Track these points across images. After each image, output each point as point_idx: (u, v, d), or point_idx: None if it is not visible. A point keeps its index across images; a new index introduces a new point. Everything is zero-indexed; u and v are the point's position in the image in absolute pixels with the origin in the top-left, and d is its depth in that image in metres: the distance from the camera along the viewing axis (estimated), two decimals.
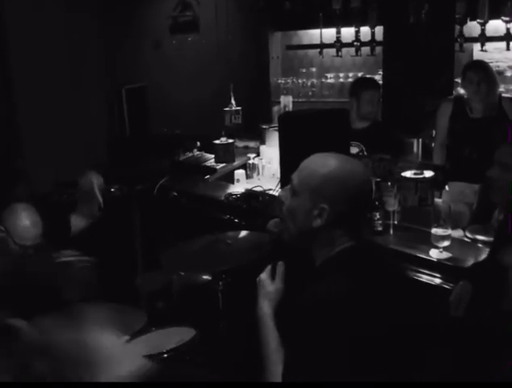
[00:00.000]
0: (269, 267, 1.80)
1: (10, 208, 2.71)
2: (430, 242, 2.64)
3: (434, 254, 2.63)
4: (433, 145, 3.96)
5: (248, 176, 4.13)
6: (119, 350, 1.13)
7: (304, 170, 1.68)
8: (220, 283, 2.52)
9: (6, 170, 3.82)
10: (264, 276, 1.78)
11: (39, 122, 4.29)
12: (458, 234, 2.80)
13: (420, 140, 4.01)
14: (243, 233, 2.75)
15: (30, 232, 2.67)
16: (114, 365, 1.09)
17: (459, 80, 4.00)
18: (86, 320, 1.13)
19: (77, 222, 3.12)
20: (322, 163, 1.65)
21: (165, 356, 2.29)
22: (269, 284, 1.76)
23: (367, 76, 4.67)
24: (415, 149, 3.92)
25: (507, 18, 3.85)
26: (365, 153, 3.74)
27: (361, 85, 4.07)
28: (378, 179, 2.95)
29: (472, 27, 4.11)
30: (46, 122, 4.32)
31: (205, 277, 3.02)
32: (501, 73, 4.23)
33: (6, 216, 2.68)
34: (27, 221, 2.67)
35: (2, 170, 3.75)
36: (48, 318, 1.13)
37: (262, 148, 4.35)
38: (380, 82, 4.47)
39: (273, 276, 1.78)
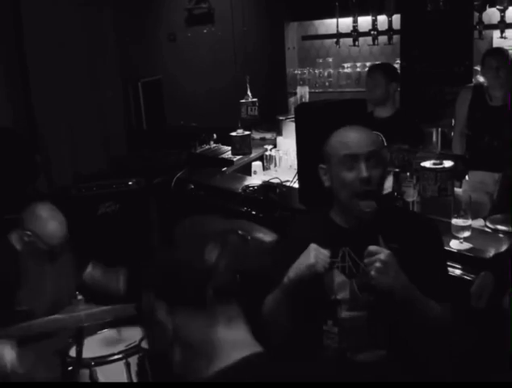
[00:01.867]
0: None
1: (31, 211, 2.66)
2: (450, 232, 2.61)
3: (455, 245, 2.59)
4: (452, 134, 3.91)
5: (265, 168, 4.12)
6: (235, 342, 1.15)
7: (372, 139, 1.92)
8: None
9: (25, 166, 3.85)
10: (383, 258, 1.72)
11: (57, 116, 4.30)
12: (478, 224, 2.76)
13: (439, 129, 3.96)
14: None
15: (59, 231, 2.64)
16: (229, 356, 1.12)
17: (478, 68, 3.94)
18: (218, 317, 1.15)
19: None
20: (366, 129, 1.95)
21: None
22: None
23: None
24: (434, 138, 3.87)
25: None
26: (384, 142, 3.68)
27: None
28: (397, 170, 2.92)
29: (492, 14, 4.04)
30: (63, 116, 4.34)
31: None
32: None
33: (29, 219, 2.64)
34: (54, 221, 2.64)
35: (21, 166, 3.77)
36: (186, 310, 1.15)
37: (279, 139, 4.33)
38: (398, 71, 4.42)
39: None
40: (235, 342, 1.14)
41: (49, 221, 2.61)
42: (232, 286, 1.18)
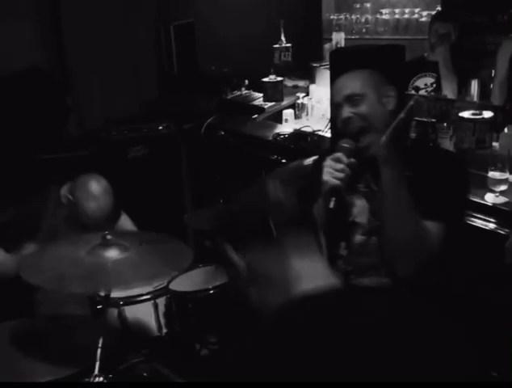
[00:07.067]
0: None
1: (83, 182, 2.61)
2: (486, 186, 2.54)
3: (490, 198, 2.53)
4: (491, 85, 3.78)
5: (296, 116, 4.05)
6: (309, 272, 1.16)
7: (355, 78, 2.01)
8: None
9: (56, 107, 3.85)
10: None
11: (89, 58, 4.27)
12: None
13: (478, 80, 3.83)
14: None
15: (98, 214, 2.58)
16: (301, 287, 1.13)
17: None
18: (288, 248, 1.16)
19: None
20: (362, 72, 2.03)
21: (211, 292, 2.31)
22: None
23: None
24: (473, 89, 3.75)
25: None
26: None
27: (433, 17, 4.04)
28: (433, 120, 2.83)
29: None
30: (95, 58, 4.31)
31: None
32: None
33: (78, 188, 2.60)
34: (98, 202, 2.57)
35: (52, 106, 3.78)
36: (255, 247, 1.17)
37: (312, 87, 4.23)
38: None
39: None
40: (308, 272, 1.15)
41: (92, 202, 2.56)
42: (299, 217, 1.19)
